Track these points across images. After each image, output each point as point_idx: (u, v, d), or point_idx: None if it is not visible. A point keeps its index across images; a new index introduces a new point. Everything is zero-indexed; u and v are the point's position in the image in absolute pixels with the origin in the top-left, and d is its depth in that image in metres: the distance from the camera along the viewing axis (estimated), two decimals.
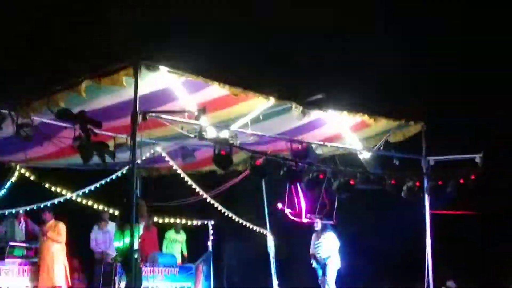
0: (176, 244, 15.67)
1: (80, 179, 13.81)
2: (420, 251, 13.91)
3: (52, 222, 12.90)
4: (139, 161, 10.42)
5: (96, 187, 13.21)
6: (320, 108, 11.50)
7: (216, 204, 13.86)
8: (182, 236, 15.72)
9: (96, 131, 9.77)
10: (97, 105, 10.44)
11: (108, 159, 9.51)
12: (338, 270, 13.99)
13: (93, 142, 8.62)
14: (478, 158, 13.15)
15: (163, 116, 10.27)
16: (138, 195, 10.38)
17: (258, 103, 10.94)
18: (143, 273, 12.88)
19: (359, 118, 12.21)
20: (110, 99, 10.43)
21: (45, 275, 12.64)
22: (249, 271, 18.53)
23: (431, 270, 13.77)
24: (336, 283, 14.02)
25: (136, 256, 10.40)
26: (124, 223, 10.86)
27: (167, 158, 12.94)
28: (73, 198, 13.38)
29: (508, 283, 16.95)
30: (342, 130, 12.57)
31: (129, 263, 9.63)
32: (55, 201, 12.63)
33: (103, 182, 13.07)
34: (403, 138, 13.47)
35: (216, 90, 10.37)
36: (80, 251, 14.56)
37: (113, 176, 12.92)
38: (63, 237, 12.91)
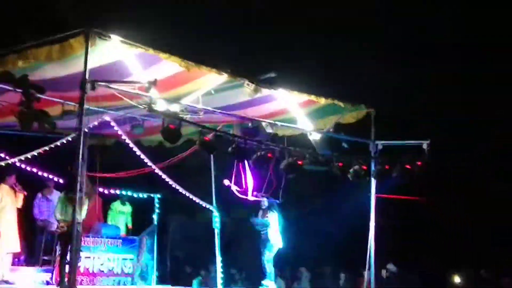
0: (121, 215, 15.58)
1: (26, 144, 13.48)
2: (364, 234, 14.08)
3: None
4: (86, 129, 10.23)
5: (40, 153, 12.92)
6: (272, 86, 11.48)
7: (164, 176, 13.71)
8: (127, 208, 15.63)
9: (43, 97, 9.65)
10: (46, 73, 10.21)
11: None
12: (279, 249, 14.03)
13: (34, 110, 8.42)
14: (425, 144, 13.33)
15: (113, 85, 10.11)
16: (84, 165, 10.19)
17: (211, 81, 10.86)
18: (85, 243, 12.81)
19: (308, 97, 12.24)
20: (60, 68, 10.20)
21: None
22: (193, 246, 18.60)
23: (373, 253, 13.94)
24: (277, 263, 14.07)
25: (78, 229, 10.33)
26: (67, 193, 10.81)
27: (115, 128, 12.75)
28: (17, 163, 13.05)
29: (447, 270, 17.37)
30: (291, 108, 12.57)
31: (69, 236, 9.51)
32: None
33: (47, 148, 12.77)
34: (353, 120, 13.53)
35: (169, 66, 10.26)
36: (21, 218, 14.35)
37: (58, 143, 12.65)
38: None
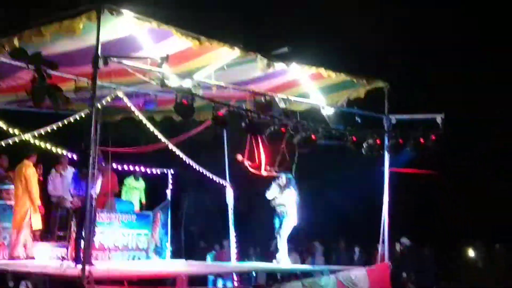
0: (134, 191, 15.65)
1: (39, 120, 13.51)
2: (378, 208, 14.08)
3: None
4: (99, 105, 10.25)
5: (53, 130, 12.96)
6: (284, 61, 11.43)
7: (177, 152, 13.72)
8: (141, 184, 15.70)
9: (56, 73, 9.65)
10: (59, 49, 10.21)
11: None
12: (294, 226, 14.03)
13: (47, 85, 8.41)
14: (439, 118, 13.27)
15: (125, 61, 10.10)
16: (96, 141, 10.22)
17: (223, 55, 10.83)
18: (99, 219, 12.88)
19: (321, 72, 12.18)
20: (73, 43, 10.21)
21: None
22: (207, 221, 18.68)
23: (387, 226, 13.96)
24: (292, 237, 14.10)
25: (92, 204, 10.41)
26: (81, 169, 10.85)
27: (128, 103, 12.75)
28: (31, 140, 13.11)
29: (461, 244, 17.36)
30: (304, 82, 12.52)
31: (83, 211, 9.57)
32: (10, 141, 12.30)
33: (60, 124, 12.81)
34: (363, 95, 13.48)
35: (181, 41, 10.21)
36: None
37: (71, 119, 12.69)
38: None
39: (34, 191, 12.60)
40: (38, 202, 12.65)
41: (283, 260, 13.74)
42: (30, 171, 12.66)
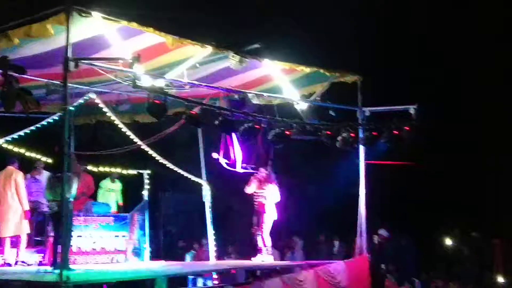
0: (111, 193, 15.55)
1: (12, 125, 13.39)
2: (356, 201, 14.15)
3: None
4: (71, 108, 10.16)
5: (27, 134, 12.85)
6: (257, 57, 11.43)
7: (151, 152, 13.67)
8: (117, 185, 15.60)
9: (27, 76, 9.58)
10: (30, 52, 10.14)
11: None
12: (274, 222, 14.06)
13: (16, 89, 8.34)
14: (412, 109, 13.35)
15: (96, 63, 10.04)
16: (70, 144, 10.12)
17: (194, 51, 10.80)
18: (76, 222, 12.77)
19: (293, 67, 12.20)
20: (42, 46, 10.14)
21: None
22: (185, 220, 18.63)
23: (364, 218, 14.05)
24: (271, 233, 14.12)
25: (69, 208, 10.33)
26: (56, 173, 10.75)
27: (101, 105, 12.67)
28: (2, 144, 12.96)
29: (439, 233, 17.49)
30: (277, 77, 12.54)
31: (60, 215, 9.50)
32: None
33: (33, 128, 12.70)
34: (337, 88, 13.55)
35: (151, 37, 10.18)
36: None
37: (44, 122, 12.59)
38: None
39: (23, 196, 12.52)
40: (27, 207, 12.57)
41: (267, 256, 13.77)
42: (19, 176, 12.57)
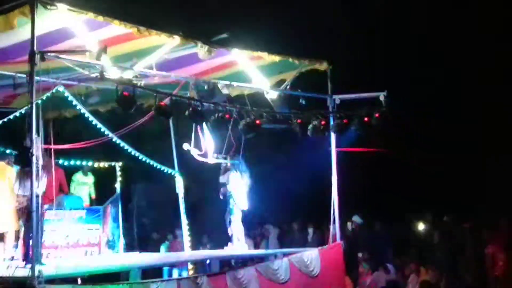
0: (84, 186, 15.45)
1: None
2: (329, 188, 14.23)
3: None
4: (39, 101, 10.07)
5: None
6: (225, 47, 11.42)
7: (122, 144, 13.62)
8: (90, 179, 15.50)
9: None
10: None
11: None
12: (247, 211, 14.10)
13: None
14: (382, 96, 13.44)
15: (63, 56, 9.96)
16: (39, 138, 10.04)
17: (162, 40, 10.76)
18: (48, 216, 12.68)
19: (264, 57, 12.21)
20: (7, 38, 10.04)
21: None
22: (158, 212, 18.59)
23: (337, 206, 14.13)
24: (244, 222, 14.16)
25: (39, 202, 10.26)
26: (23, 166, 10.65)
27: (70, 98, 12.58)
28: None
29: (411, 219, 17.64)
30: (246, 66, 12.54)
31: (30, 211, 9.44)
32: None
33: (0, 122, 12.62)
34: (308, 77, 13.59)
35: (118, 28, 10.12)
36: None
37: (11, 117, 12.50)
38: None
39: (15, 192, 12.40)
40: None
41: (240, 244, 13.81)
42: (12, 172, 12.42)
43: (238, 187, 13.87)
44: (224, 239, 14.18)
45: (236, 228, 13.94)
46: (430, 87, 17.69)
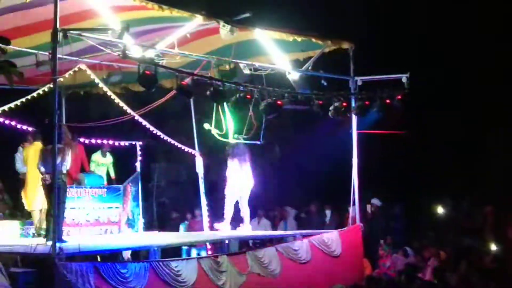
0: (102, 167, 15.44)
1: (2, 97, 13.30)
2: (348, 171, 14.17)
3: None
4: (61, 79, 10.10)
5: (17, 106, 12.81)
6: (248, 26, 11.36)
7: (144, 123, 13.63)
8: (108, 159, 15.44)
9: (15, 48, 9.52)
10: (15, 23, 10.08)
11: None
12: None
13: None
14: (404, 78, 13.33)
15: (85, 34, 9.96)
16: (60, 115, 10.10)
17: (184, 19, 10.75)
18: (69, 194, 12.73)
19: (287, 37, 12.14)
20: (30, 16, 10.08)
21: None
22: (178, 191, 18.63)
23: (357, 188, 14.09)
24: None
25: (62, 180, 10.34)
26: (47, 144, 10.71)
27: (92, 76, 12.60)
28: None
29: (430, 201, 17.55)
30: (268, 45, 12.48)
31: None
32: None
33: (23, 100, 12.65)
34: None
35: (140, 8, 10.12)
36: (3, 172, 14.31)
37: (34, 94, 12.53)
38: None
39: None
40: None
41: (244, 227, 13.82)
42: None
43: (231, 172, 13.81)
44: (240, 219, 14.18)
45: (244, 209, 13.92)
46: (452, 68, 17.47)
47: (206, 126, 13.90)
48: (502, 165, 16.57)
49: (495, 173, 16.16)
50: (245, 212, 13.85)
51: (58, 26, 9.16)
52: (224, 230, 13.75)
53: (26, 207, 12.68)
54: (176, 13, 10.32)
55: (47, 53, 11.02)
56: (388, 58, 16.27)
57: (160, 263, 9.90)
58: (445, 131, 17.66)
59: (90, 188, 13.79)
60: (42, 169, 11.32)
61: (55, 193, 9.56)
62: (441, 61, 17.71)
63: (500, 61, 16.96)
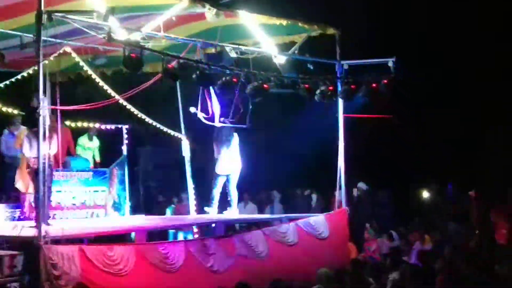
0: (89, 151, 15.41)
1: None
2: (334, 155, 14.21)
3: None
4: (46, 61, 10.06)
5: (1, 88, 12.76)
6: (233, 9, 11.33)
7: (129, 107, 13.60)
8: (95, 143, 15.43)
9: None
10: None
11: None
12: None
13: None
14: (390, 62, 13.35)
15: (70, 16, 9.90)
16: (45, 98, 10.04)
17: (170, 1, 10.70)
18: (55, 178, 12.70)
19: (270, 19, 12.12)
20: None
21: None
22: (164, 175, 18.63)
23: (343, 172, 14.12)
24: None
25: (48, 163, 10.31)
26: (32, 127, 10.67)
27: (76, 59, 12.55)
28: None
29: (415, 186, 17.67)
30: (253, 28, 12.45)
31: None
32: None
33: (7, 82, 12.61)
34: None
35: None
36: None
37: (19, 77, 12.49)
38: None
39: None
40: None
41: (231, 210, 13.85)
42: None
43: (221, 156, 13.82)
44: (227, 202, 14.20)
45: (231, 193, 13.94)
46: (439, 53, 17.52)
47: (192, 109, 13.87)
48: (501, 162, 16.70)
49: (494, 170, 16.25)
50: (233, 195, 13.86)
51: (42, 7, 9.11)
52: (212, 213, 13.77)
53: (20, 189, 12.57)
54: None
55: (31, 36, 11.00)
56: (375, 43, 16.30)
57: (147, 246, 9.93)
58: (444, 129, 17.74)
59: (76, 171, 13.77)
60: (28, 154, 11.30)
61: (39, 177, 9.53)
62: (440, 59, 17.75)
63: (499, 58, 17.05)
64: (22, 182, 12.51)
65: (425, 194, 17.39)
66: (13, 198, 13.15)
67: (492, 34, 17.32)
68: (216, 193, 13.76)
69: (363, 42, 16.24)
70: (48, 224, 9.82)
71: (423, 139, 17.84)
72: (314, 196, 17.11)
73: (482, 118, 17.68)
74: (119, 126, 15.42)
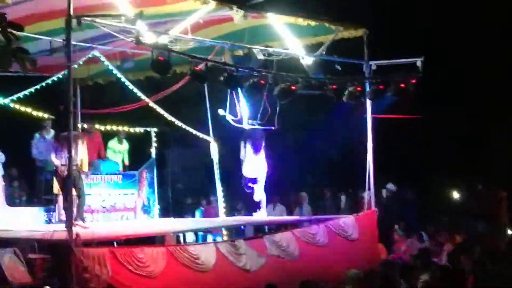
0: (119, 154, 15.52)
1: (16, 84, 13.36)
2: (363, 156, 14.13)
3: None
4: (75, 66, 10.16)
5: (31, 93, 12.89)
6: (261, 11, 11.33)
7: (158, 110, 13.67)
8: (124, 146, 15.52)
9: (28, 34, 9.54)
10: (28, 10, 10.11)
11: None
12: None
13: (13, 48, 8.34)
14: (419, 62, 13.22)
15: (98, 20, 9.98)
16: (75, 102, 10.15)
17: (197, 5, 10.72)
18: (86, 181, 12.78)
19: (301, 22, 12.09)
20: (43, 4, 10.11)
21: None
22: (193, 178, 18.69)
23: (372, 173, 14.04)
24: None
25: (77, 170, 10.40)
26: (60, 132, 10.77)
27: (106, 63, 12.65)
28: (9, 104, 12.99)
29: (444, 186, 17.52)
30: (280, 30, 12.44)
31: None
32: None
33: (38, 87, 12.72)
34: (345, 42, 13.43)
35: None
36: (20, 159, 14.42)
37: (49, 81, 12.59)
38: None
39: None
40: None
41: (260, 212, 13.85)
42: None
43: (247, 156, 13.82)
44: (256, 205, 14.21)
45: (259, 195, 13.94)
46: (445, 51, 17.36)
47: (221, 111, 13.91)
48: (506, 159, 16.54)
49: (499, 167, 16.10)
50: (261, 197, 13.86)
51: (71, 12, 9.19)
52: (261, 216, 13.78)
53: (55, 191, 12.65)
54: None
55: (61, 40, 11.10)
56: (403, 41, 16.19)
57: (178, 248, 9.95)
58: (449, 126, 17.61)
59: (106, 174, 13.87)
60: (57, 162, 11.35)
61: (68, 181, 9.60)
62: (446, 57, 17.61)
63: (504, 56, 16.89)
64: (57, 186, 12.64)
65: (455, 195, 17.25)
66: (44, 202, 13.28)
67: (497, 32, 17.16)
68: (256, 197, 13.77)
69: (392, 41, 16.12)
70: (84, 228, 9.90)
71: (442, 149, 17.72)
72: (343, 197, 17.03)
73: (487, 115, 17.53)
74: (148, 129, 15.51)
